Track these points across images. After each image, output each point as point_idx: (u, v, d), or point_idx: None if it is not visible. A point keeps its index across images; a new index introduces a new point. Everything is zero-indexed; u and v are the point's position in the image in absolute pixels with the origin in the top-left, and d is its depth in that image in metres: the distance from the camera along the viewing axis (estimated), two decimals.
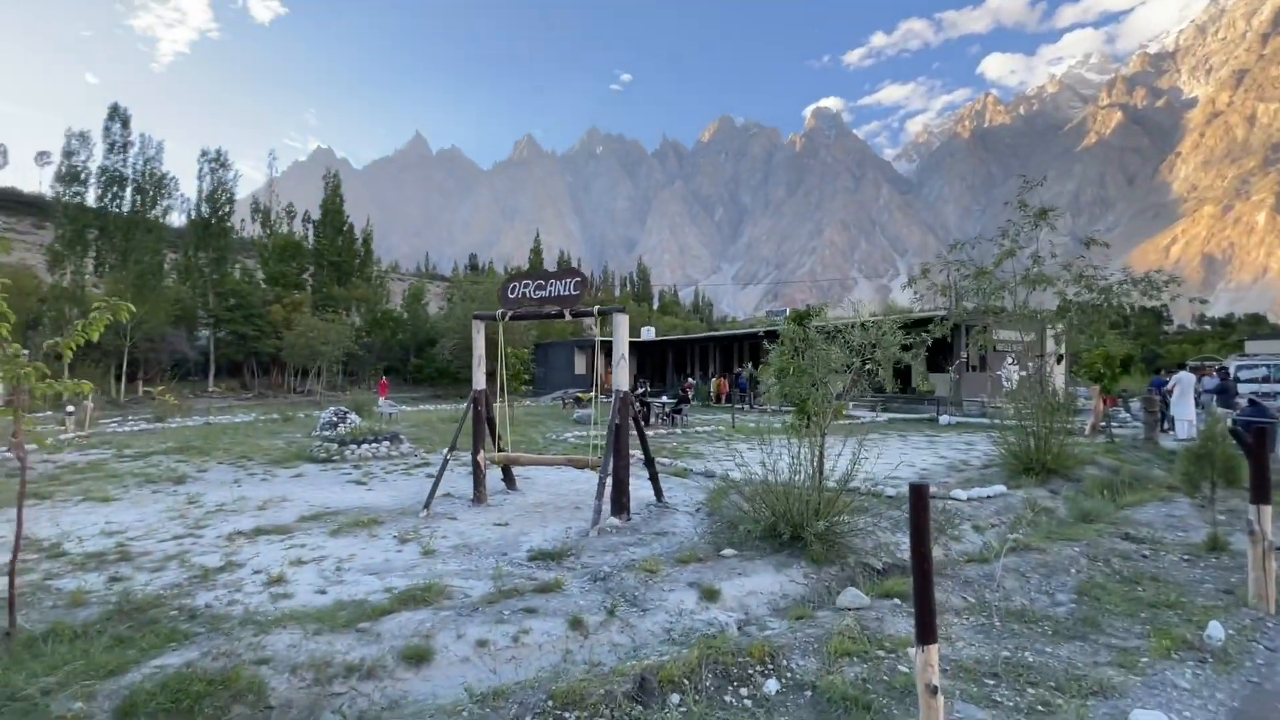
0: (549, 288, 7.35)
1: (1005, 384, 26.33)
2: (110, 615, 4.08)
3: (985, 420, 20.09)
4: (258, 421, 20.91)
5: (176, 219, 37.37)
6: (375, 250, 53.06)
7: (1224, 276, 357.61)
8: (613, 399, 6.98)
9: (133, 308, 4.08)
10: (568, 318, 7.34)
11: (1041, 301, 11.24)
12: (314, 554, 5.69)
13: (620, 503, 6.88)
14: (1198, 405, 15.62)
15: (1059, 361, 25.70)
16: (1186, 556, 5.33)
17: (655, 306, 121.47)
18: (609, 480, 6.67)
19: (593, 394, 29.54)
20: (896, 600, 4.27)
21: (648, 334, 50.06)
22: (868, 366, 5.98)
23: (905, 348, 6.02)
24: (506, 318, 7.56)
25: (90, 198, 30.93)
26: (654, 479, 7.67)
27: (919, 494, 2.09)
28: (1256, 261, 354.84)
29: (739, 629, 4.20)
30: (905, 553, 5.87)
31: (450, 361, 39.12)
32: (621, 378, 7.11)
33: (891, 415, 23.41)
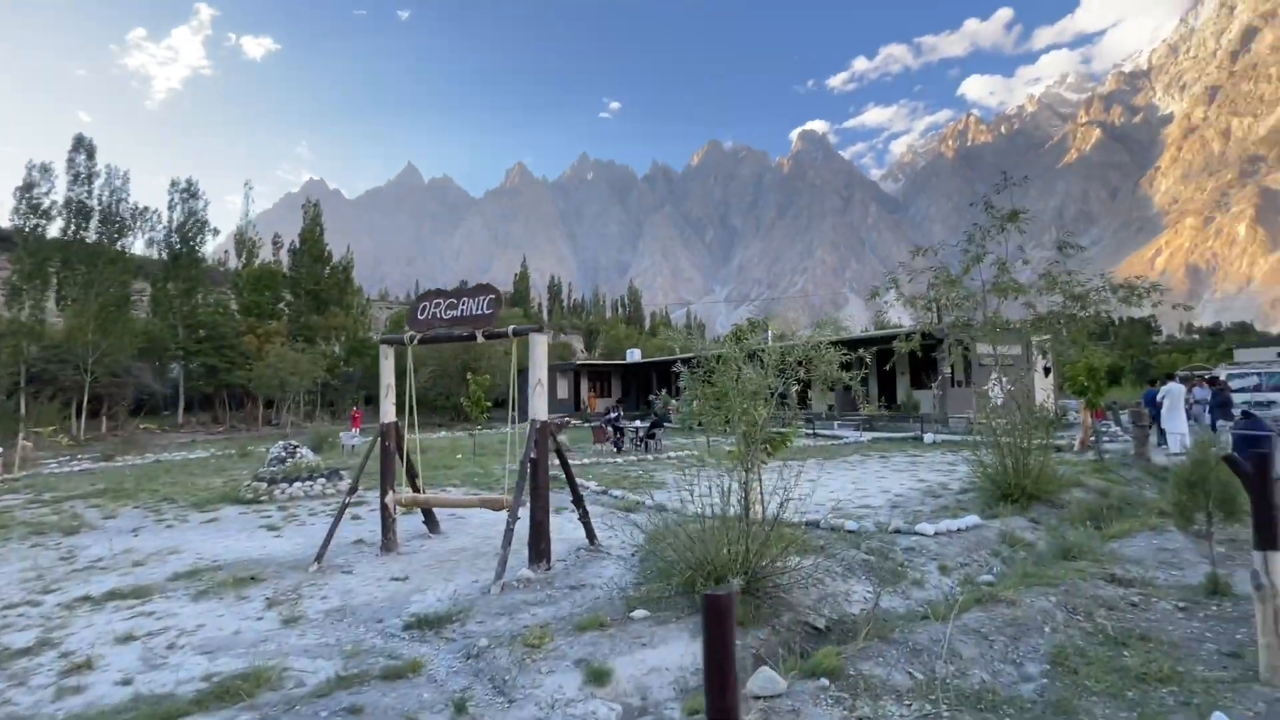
0: (461, 306, 6.58)
1: (993, 399, 25.56)
2: None
3: (970, 439, 19.24)
4: (212, 458, 19.87)
5: (156, 252, 36.67)
6: (358, 278, 52.36)
7: (1209, 287, 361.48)
8: (529, 430, 6.16)
9: None
10: (480, 339, 6.55)
11: (1024, 313, 10.52)
12: (155, 625, 4.79)
13: (539, 549, 6.01)
14: (1189, 417, 14.90)
15: (1046, 374, 24.98)
16: (1182, 604, 4.51)
17: (646, 328, 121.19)
18: (519, 524, 5.81)
19: (570, 420, 28.42)
20: (824, 680, 3.41)
21: (633, 356, 49.44)
22: (794, 388, 5.20)
23: (846, 366, 5.25)
24: (415, 341, 6.76)
25: (54, 230, 30.19)
26: (584, 519, 6.81)
27: (715, 609, 1.27)
28: (1240, 271, 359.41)
29: None
30: (857, 604, 5.03)
31: (429, 389, 38.22)
32: (540, 405, 6.30)
33: (876, 435, 22.58)
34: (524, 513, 5.89)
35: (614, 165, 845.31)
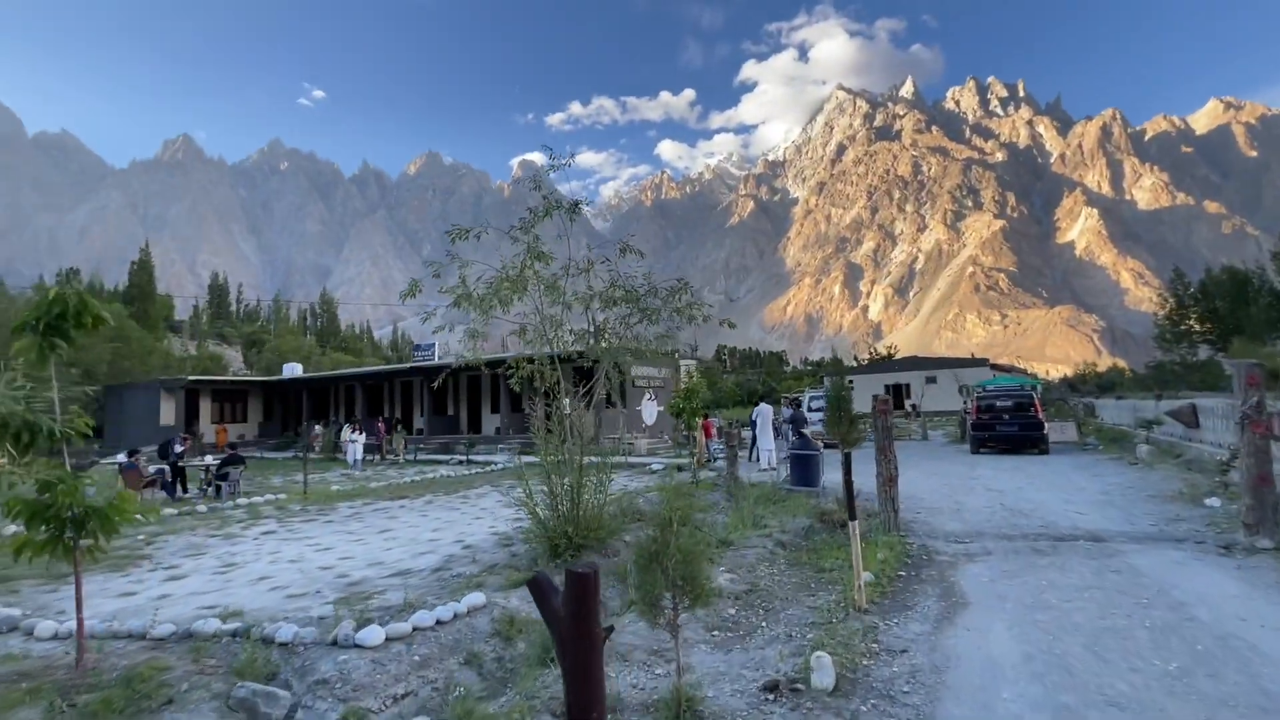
0: None
1: (646, 420, 26.91)
2: None
3: (614, 460, 19.19)
4: None
5: None
6: None
7: (820, 330, 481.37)
8: None
9: None
10: None
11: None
12: None
13: None
14: (778, 434, 16.56)
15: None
16: None
17: (340, 341, 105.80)
18: None
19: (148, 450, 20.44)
20: None
21: (291, 371, 41.09)
22: None
23: None
24: None
25: None
26: None
27: None
28: (836, 320, 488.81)
29: None
30: None
31: None
32: None
33: (533, 458, 21.14)
34: None
35: (316, 159, 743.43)
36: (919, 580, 5.44)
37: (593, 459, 7.25)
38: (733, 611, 4.72)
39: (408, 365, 28.77)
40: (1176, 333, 48.65)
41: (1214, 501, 8.24)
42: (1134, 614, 4.29)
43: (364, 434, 19.91)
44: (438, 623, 4.51)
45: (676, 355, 33.24)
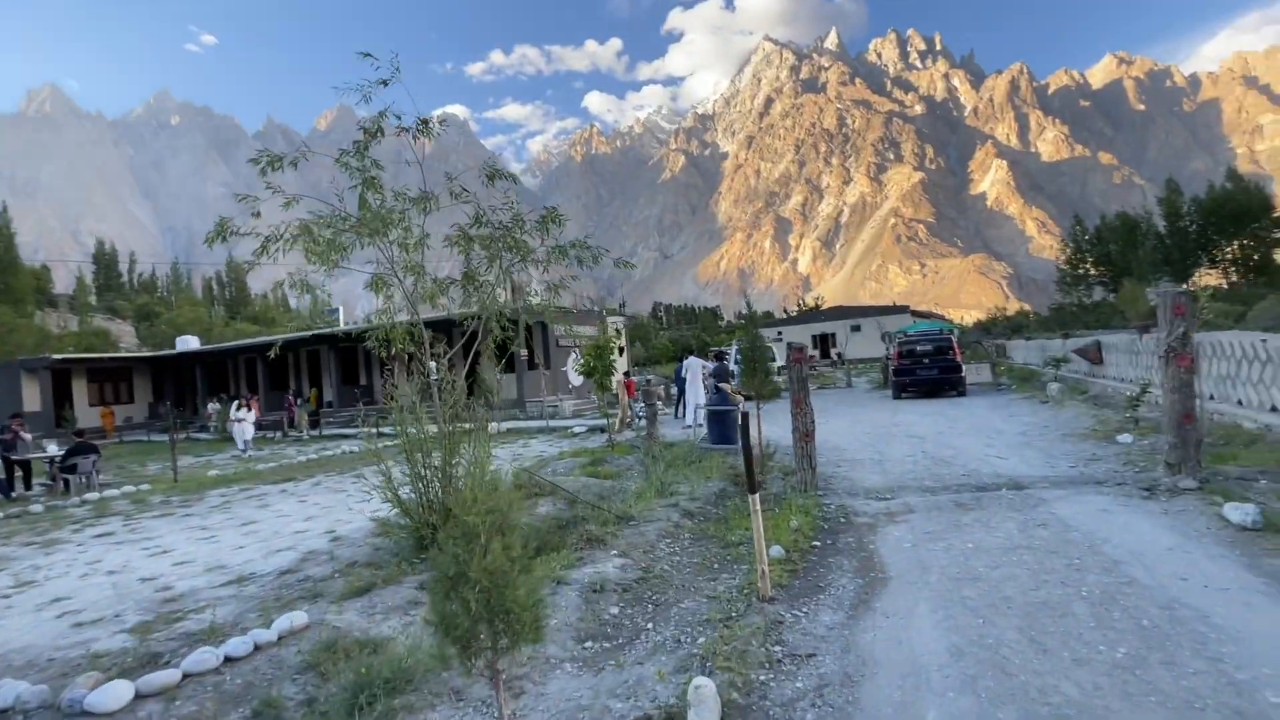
0: None
1: (572, 380, 25.87)
2: None
3: (536, 424, 18.19)
4: None
5: None
6: None
7: (751, 284, 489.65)
8: None
9: None
10: None
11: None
12: None
13: None
14: (705, 389, 15.93)
15: (620, 354, 26.08)
16: None
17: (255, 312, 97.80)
18: None
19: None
20: None
21: (186, 345, 37.35)
22: None
23: None
24: None
25: None
26: None
27: None
28: (767, 274, 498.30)
29: None
30: None
31: None
32: None
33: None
34: None
35: (212, 113, 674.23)
36: (835, 550, 4.79)
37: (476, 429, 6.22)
38: (615, 611, 3.88)
39: (311, 333, 26.32)
40: (1075, 276, 51.90)
41: (1125, 438, 8.14)
42: (1069, 580, 3.75)
43: (254, 411, 17.87)
44: (226, 660, 3.42)
45: (604, 312, 32.08)
